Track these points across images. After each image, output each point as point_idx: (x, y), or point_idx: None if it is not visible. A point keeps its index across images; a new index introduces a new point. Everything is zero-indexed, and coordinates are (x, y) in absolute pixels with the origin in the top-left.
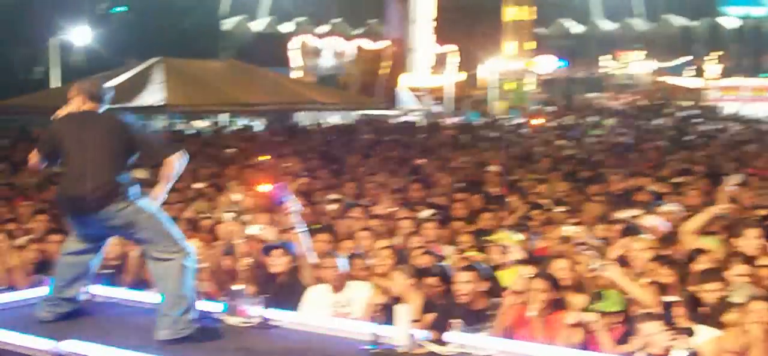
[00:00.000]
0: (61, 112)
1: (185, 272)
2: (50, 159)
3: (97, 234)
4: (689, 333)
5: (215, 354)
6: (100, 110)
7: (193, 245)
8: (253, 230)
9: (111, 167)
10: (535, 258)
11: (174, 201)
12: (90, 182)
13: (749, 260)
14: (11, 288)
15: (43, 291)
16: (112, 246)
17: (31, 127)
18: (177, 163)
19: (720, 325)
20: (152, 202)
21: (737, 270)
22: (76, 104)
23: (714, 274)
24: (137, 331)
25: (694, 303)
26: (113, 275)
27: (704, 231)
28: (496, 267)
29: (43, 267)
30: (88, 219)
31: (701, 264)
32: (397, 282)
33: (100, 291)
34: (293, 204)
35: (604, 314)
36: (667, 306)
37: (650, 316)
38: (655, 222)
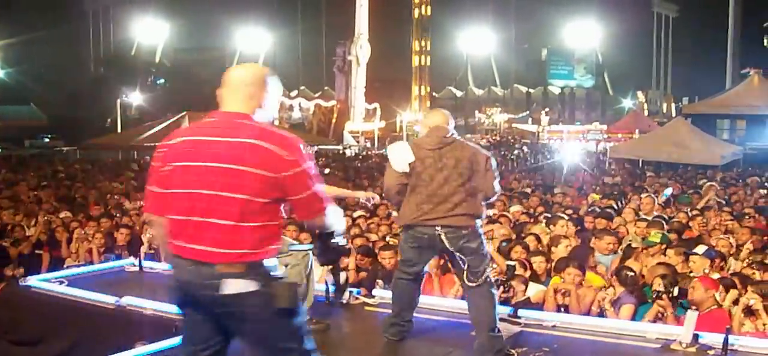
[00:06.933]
0: None
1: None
2: None
3: None
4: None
5: None
6: None
7: None
8: None
9: None
10: None
11: None
12: None
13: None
14: (89, 263)
15: (107, 265)
16: (148, 238)
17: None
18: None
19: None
20: None
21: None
22: None
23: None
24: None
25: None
26: (153, 254)
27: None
28: None
29: (109, 250)
30: None
31: (532, 242)
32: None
33: (148, 265)
34: None
35: None
36: (512, 269)
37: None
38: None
